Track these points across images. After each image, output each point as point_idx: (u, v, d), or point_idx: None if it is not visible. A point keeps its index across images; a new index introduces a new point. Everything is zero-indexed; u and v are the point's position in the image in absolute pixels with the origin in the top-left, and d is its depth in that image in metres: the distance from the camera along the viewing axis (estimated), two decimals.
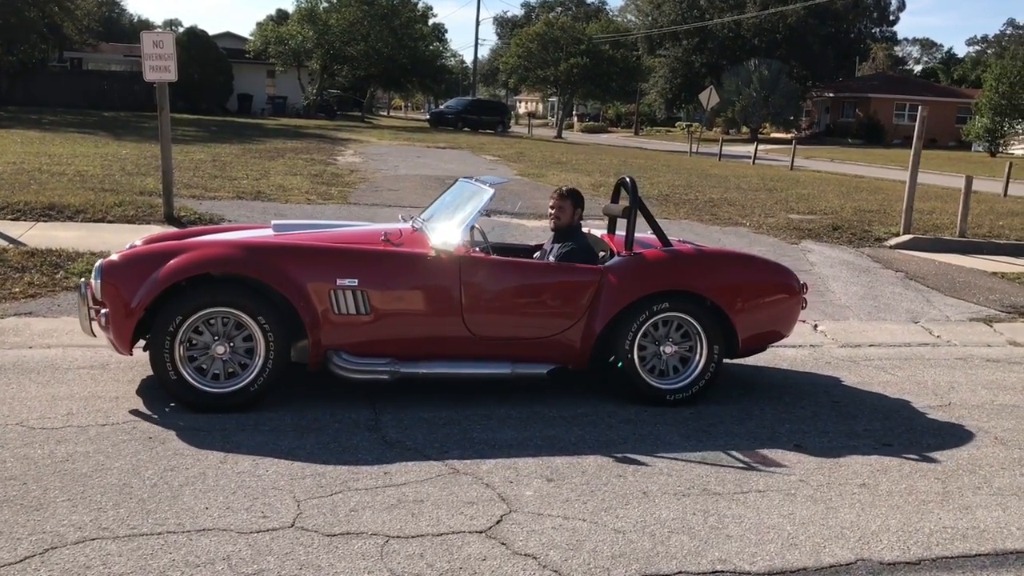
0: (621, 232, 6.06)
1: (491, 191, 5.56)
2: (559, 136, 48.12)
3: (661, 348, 5.61)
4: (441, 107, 53.69)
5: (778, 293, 5.96)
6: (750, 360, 6.69)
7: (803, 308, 6.12)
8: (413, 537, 3.68)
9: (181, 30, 49.50)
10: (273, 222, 5.89)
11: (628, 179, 5.91)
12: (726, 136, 46.39)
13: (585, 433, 5.04)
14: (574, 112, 71.20)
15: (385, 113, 78.17)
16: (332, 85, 52.01)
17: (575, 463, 4.58)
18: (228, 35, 55.97)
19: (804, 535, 3.93)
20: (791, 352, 7.17)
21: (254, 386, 5.00)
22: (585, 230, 6.19)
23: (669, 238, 5.94)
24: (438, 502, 4.02)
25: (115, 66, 48.99)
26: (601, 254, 5.90)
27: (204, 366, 4.99)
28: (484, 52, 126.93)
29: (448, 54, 60.75)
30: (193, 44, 42.50)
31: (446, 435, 4.87)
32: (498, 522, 3.86)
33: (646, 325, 5.50)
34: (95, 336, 5.30)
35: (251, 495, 3.98)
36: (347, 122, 44.68)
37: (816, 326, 8.15)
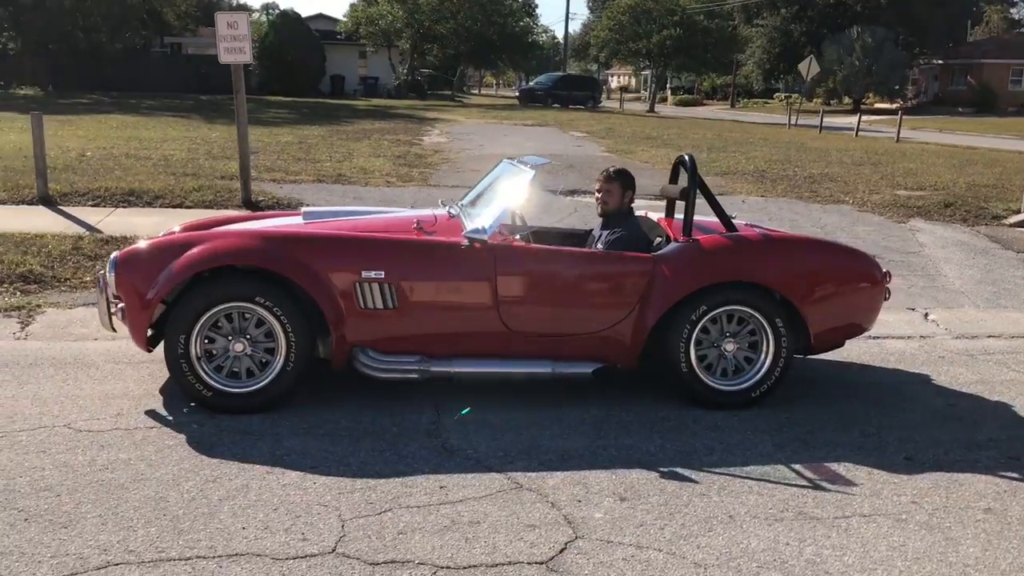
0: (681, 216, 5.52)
1: (532, 173, 5.12)
2: (651, 110, 47.06)
3: (723, 345, 5.07)
4: (530, 84, 53.15)
5: (856, 282, 5.34)
6: (851, 355, 6.07)
7: (886, 299, 5.49)
8: (464, 568, 3.28)
9: (276, 13, 50.07)
10: (303, 209, 5.54)
11: (687, 156, 5.37)
12: (827, 107, 44.52)
13: (665, 442, 4.56)
14: (667, 85, 69.67)
15: (476, 91, 78.02)
16: (423, 64, 52.05)
17: (652, 479, 4.10)
18: (321, 16, 56.50)
19: (919, 574, 3.38)
20: (899, 345, 6.51)
21: (275, 386, 4.69)
22: (641, 213, 5.68)
23: (736, 222, 5.38)
24: (496, 524, 3.61)
25: (212, 50, 49.91)
26: (657, 240, 5.35)
27: (223, 364, 4.70)
28: (575, 26, 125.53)
29: (538, 30, 60.04)
30: (287, 26, 43.02)
31: (511, 442, 4.45)
32: (561, 551, 3.43)
33: (704, 320, 4.97)
34: (115, 331, 5.04)
35: (293, 513, 3.64)
36: (437, 101, 44.60)
37: (927, 314, 7.43)
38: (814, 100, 53.95)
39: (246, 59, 9.70)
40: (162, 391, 4.97)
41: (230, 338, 4.66)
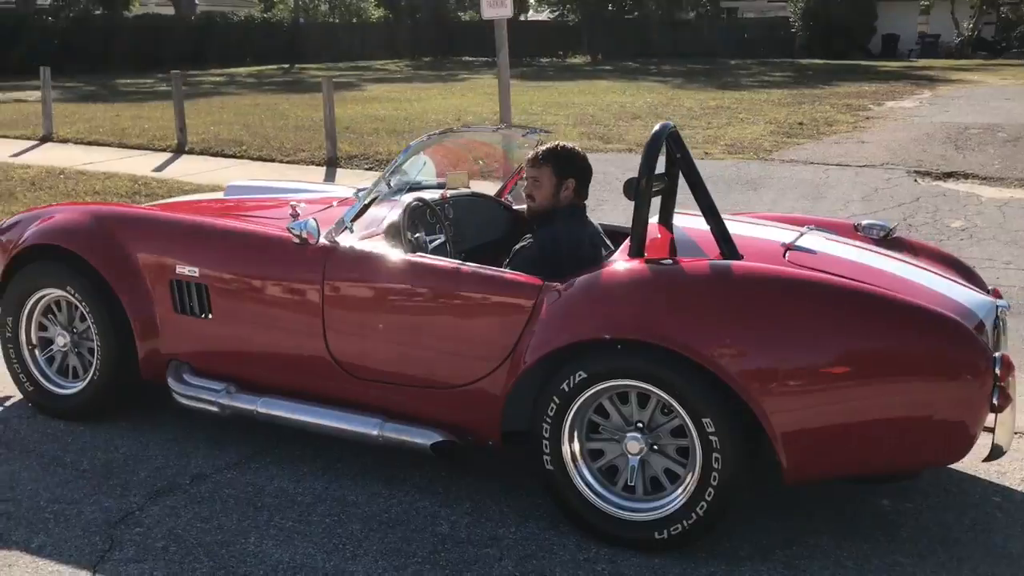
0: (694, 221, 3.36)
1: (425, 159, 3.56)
2: None
3: (625, 443, 3.03)
4: None
5: (906, 372, 2.81)
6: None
7: (996, 406, 2.79)
8: None
9: None
10: (228, 184, 4.54)
11: (661, 128, 3.26)
12: None
13: None
14: None
15: None
16: (996, 19, 44.63)
17: None
18: None
19: None
20: None
21: (84, 395, 3.95)
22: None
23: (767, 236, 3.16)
24: None
25: (772, 12, 48.55)
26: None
27: (55, 357, 4.07)
28: None
29: None
30: None
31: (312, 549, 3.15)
32: None
33: (587, 393, 3.01)
34: None
35: None
36: (1009, 61, 37.83)
37: None
38: None
39: (507, 13, 8.87)
40: None
41: (60, 329, 4.05)
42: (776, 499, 3.32)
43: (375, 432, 3.39)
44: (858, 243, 3.65)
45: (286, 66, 34.20)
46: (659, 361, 2.90)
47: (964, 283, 3.49)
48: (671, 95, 19.20)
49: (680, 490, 2.98)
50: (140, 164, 10.42)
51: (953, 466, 3.51)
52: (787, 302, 2.91)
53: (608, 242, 3.65)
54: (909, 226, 7.26)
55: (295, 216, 3.62)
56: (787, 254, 3.29)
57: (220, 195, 4.63)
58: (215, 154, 11.05)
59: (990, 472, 3.58)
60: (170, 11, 38.57)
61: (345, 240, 3.53)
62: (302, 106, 16.48)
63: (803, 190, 8.61)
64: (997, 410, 2.82)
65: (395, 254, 3.47)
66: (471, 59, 40.45)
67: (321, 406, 3.52)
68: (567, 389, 3.03)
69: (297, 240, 3.53)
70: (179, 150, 11.27)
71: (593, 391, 3.02)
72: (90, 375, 3.93)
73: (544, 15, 53.12)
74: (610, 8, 43.29)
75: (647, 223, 3.21)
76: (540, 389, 3.11)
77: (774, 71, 28.01)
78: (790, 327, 2.87)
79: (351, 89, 22.07)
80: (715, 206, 3.25)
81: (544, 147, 3.55)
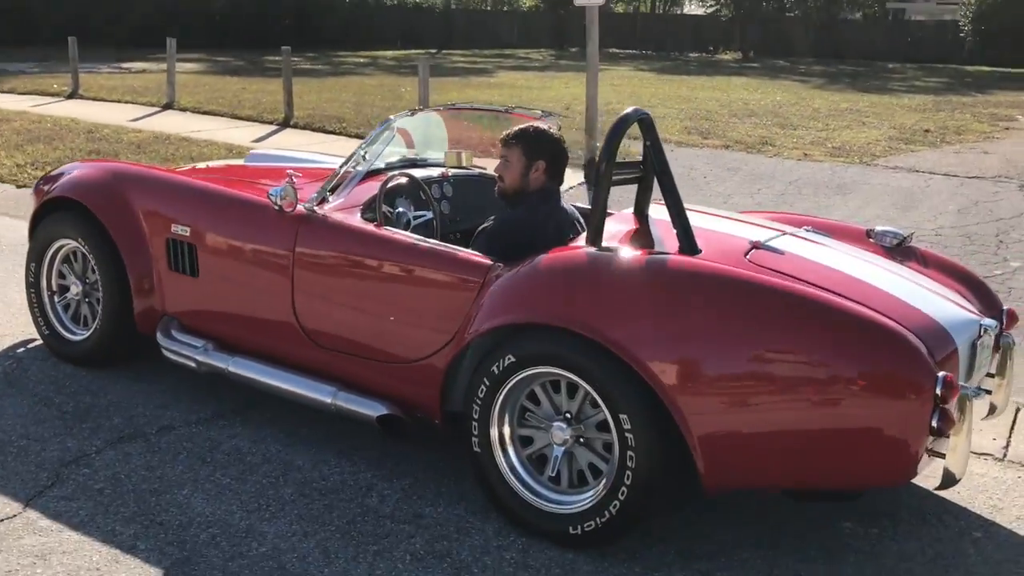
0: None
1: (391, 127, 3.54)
2: None
3: (551, 432, 2.94)
4: None
5: (838, 383, 2.58)
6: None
7: (942, 430, 2.53)
8: None
9: None
10: (250, 152, 4.63)
11: (635, 113, 3.14)
12: None
13: None
14: None
15: None
16: None
17: None
18: None
19: None
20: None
21: (89, 343, 4.15)
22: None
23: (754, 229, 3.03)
24: None
25: (948, 15, 45.91)
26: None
27: (71, 304, 4.28)
28: None
29: None
30: None
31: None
32: None
33: (515, 378, 2.94)
34: None
35: None
36: None
37: None
38: None
39: (599, 0, 8.69)
40: None
41: (74, 278, 4.27)
42: (726, 506, 3.16)
43: (328, 400, 3.42)
44: (847, 249, 3.41)
45: (433, 51, 34.84)
46: (581, 350, 2.80)
47: (958, 299, 3.21)
48: (803, 95, 18.45)
49: (600, 486, 2.87)
50: (243, 134, 10.86)
51: (947, 495, 3.25)
52: (715, 300, 2.74)
53: (581, 229, 3.54)
54: (1000, 243, 6.72)
55: (291, 185, 3.69)
56: (750, 253, 3.09)
57: (241, 162, 4.77)
58: (317, 129, 11.40)
59: (984, 505, 3.30)
60: None
61: (321, 210, 3.57)
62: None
63: (894, 198, 8.11)
64: (937, 433, 2.58)
65: (359, 225, 3.48)
66: (617, 51, 40.11)
67: (286, 371, 3.58)
68: (496, 372, 2.97)
69: (276, 207, 3.60)
70: (284, 123, 11.70)
71: (522, 376, 2.95)
72: (94, 324, 4.13)
73: (700, 9, 52.21)
74: (764, 5, 41.90)
75: (605, 210, 3.10)
76: (473, 370, 3.06)
77: (930, 76, 26.51)
78: (714, 326, 2.70)
79: (480, 75, 22.29)
80: (679, 199, 3.11)
81: (516, 128, 3.47)
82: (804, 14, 41.89)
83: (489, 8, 49.70)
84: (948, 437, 2.62)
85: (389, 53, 31.22)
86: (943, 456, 2.68)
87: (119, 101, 13.52)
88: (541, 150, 3.40)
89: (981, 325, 3.01)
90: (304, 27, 32.83)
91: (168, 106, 12.92)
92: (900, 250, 3.59)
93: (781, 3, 42.82)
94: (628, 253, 2.94)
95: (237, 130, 11.16)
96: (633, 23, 45.64)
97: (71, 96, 14.04)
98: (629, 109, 3.20)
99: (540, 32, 42.30)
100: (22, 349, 4.39)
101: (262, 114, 12.24)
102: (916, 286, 3.15)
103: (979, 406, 3.00)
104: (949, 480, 2.71)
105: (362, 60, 27.18)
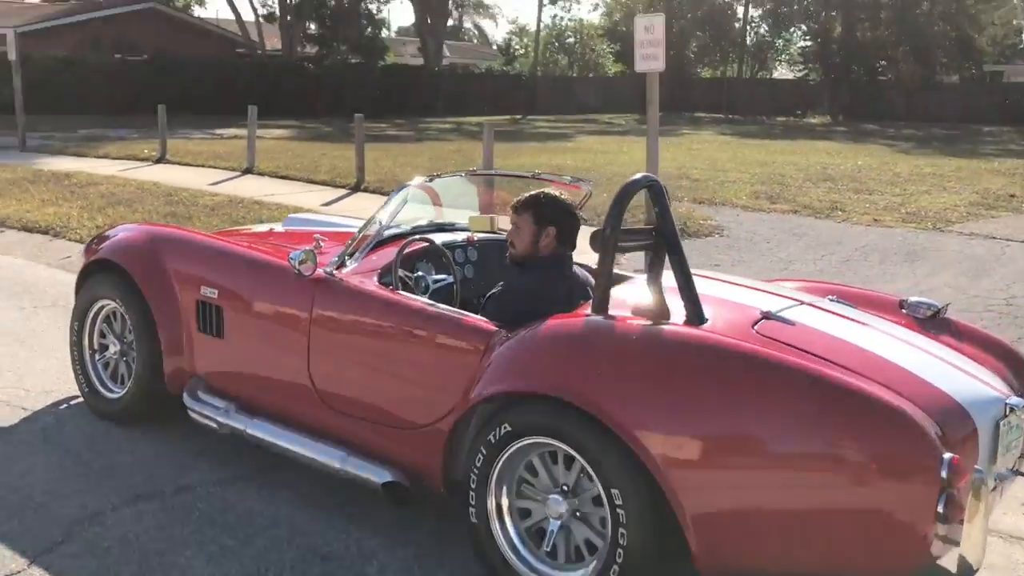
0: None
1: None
2: None
3: (548, 504, 2.87)
4: None
5: (839, 463, 2.46)
6: None
7: (950, 517, 2.35)
8: None
9: None
10: (288, 216, 4.71)
11: (644, 179, 3.08)
12: None
13: None
14: None
15: None
16: None
17: None
18: None
19: None
20: None
21: (122, 403, 4.25)
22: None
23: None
24: None
25: (1019, 77, 44.50)
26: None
27: (110, 362, 4.40)
28: None
29: None
30: None
31: None
32: None
33: (512, 448, 2.88)
34: None
35: None
36: None
37: None
38: None
39: (659, 67, 8.63)
40: None
41: (113, 337, 4.40)
42: None
43: (338, 465, 3.42)
44: (869, 319, 3.27)
45: (518, 117, 35.41)
46: (574, 420, 2.74)
47: (986, 376, 3.03)
48: (887, 159, 18.03)
49: (593, 563, 2.78)
50: (313, 198, 11.14)
51: None
52: (711, 373, 2.65)
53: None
54: None
55: (316, 249, 3.76)
56: (759, 324, 2.99)
57: (278, 226, 4.87)
58: (385, 193, 11.61)
59: None
60: (420, 62, 41.14)
61: (339, 274, 3.61)
62: (497, 154, 16.99)
63: (965, 266, 7.77)
64: (943, 520, 2.41)
65: (371, 289, 3.50)
66: (703, 115, 40.07)
67: (300, 434, 3.60)
68: (493, 440, 2.92)
69: (295, 271, 3.66)
70: (356, 187, 11.97)
71: (518, 446, 2.89)
72: (128, 384, 4.24)
73: (790, 74, 51.91)
74: (854, 68, 41.34)
75: (611, 276, 3.05)
76: (472, 439, 3.02)
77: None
78: (710, 400, 2.61)
79: (560, 140, 22.51)
80: (687, 267, 3.04)
81: (526, 194, 3.46)
82: (896, 77, 41.19)
83: (575, 75, 50.35)
84: (961, 524, 2.46)
85: (474, 119, 31.82)
86: (957, 544, 2.51)
87: (203, 166, 14.09)
88: (551, 217, 3.38)
89: (1007, 404, 2.83)
90: (391, 94, 33.82)
91: (248, 171, 13.38)
92: (934, 322, 3.43)
93: (872, 66, 42.20)
94: (627, 321, 2.88)
95: (309, 194, 11.46)
96: (720, 88, 45.62)
97: (159, 161, 14.69)
98: (638, 175, 3.17)
99: (624, 97, 42.60)
100: (64, 406, 4.52)
101: (335, 179, 12.56)
102: (938, 361, 3.00)
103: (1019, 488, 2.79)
104: (966, 570, 2.53)
105: (447, 126, 27.77)
